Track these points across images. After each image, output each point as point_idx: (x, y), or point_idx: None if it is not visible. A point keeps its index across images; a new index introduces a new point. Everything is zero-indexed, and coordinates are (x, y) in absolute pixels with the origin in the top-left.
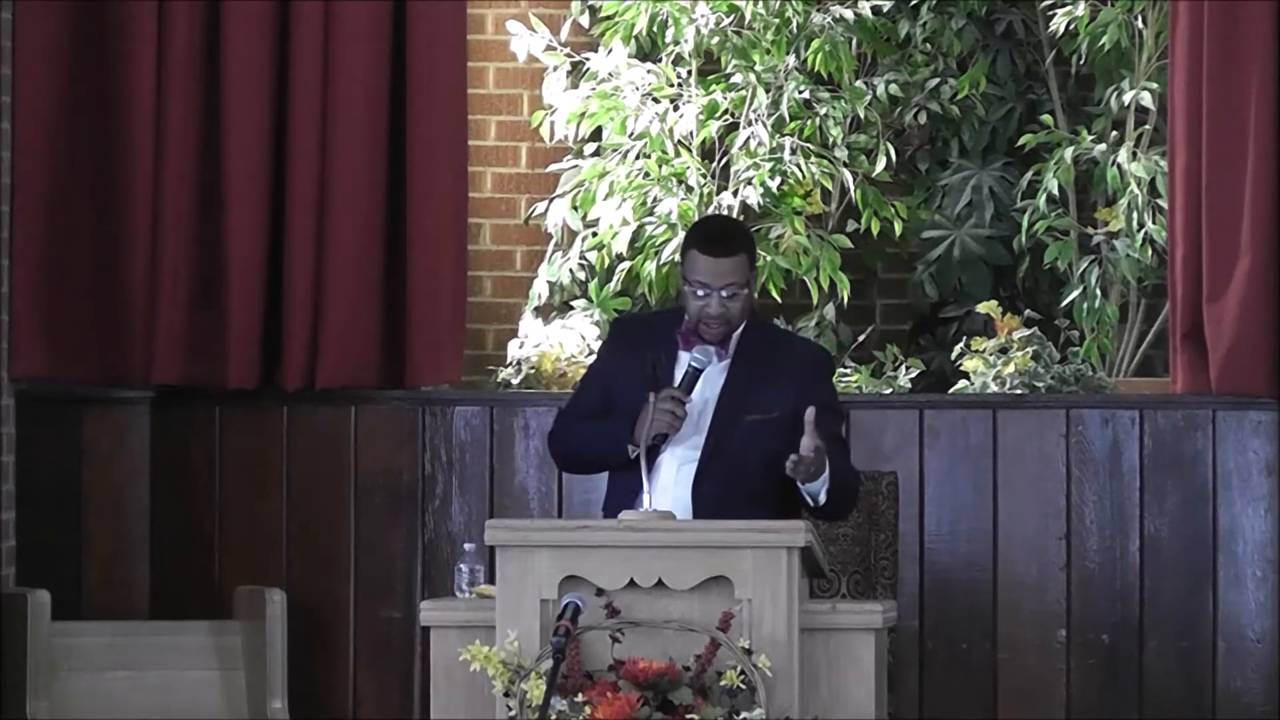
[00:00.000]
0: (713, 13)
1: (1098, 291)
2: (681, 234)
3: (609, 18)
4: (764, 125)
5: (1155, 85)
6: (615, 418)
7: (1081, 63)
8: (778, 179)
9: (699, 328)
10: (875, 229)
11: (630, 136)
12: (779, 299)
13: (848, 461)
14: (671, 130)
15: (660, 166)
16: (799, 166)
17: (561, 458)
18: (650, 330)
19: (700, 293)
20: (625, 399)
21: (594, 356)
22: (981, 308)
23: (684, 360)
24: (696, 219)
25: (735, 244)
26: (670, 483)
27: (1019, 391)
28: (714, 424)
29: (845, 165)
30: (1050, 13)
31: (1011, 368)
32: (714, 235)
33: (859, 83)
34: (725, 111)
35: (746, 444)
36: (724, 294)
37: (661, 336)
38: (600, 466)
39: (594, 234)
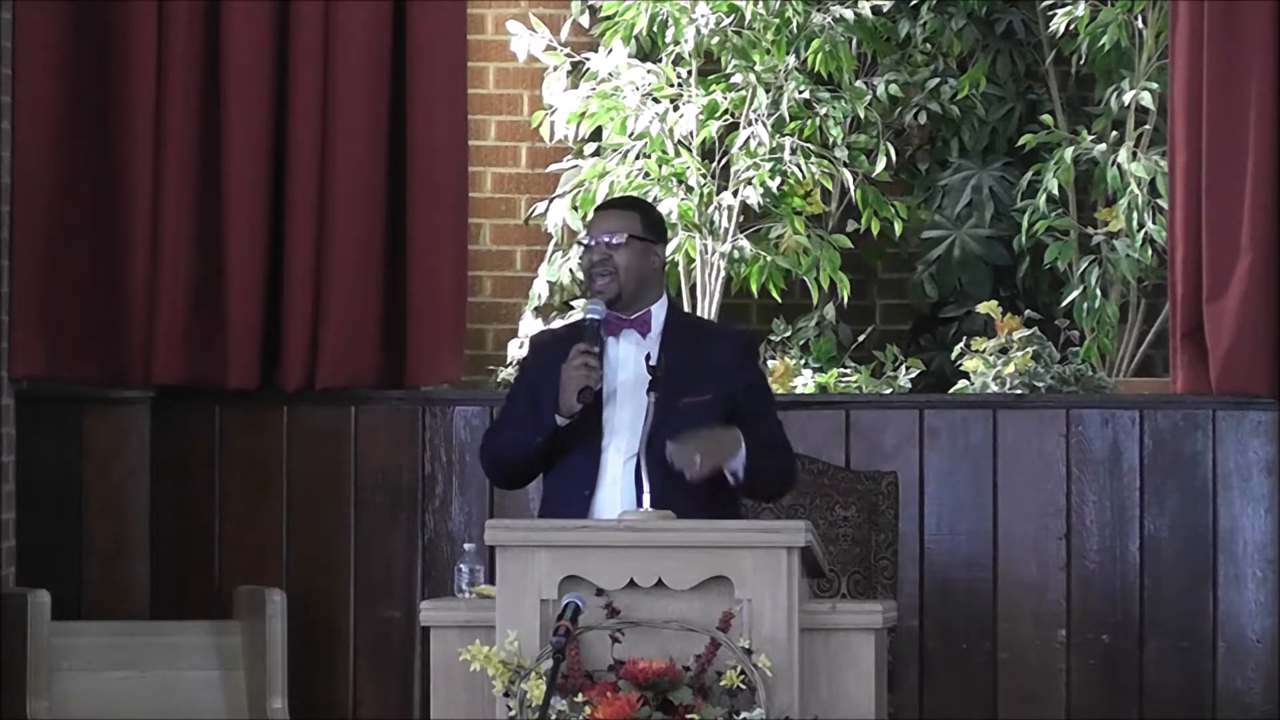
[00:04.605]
0: (713, 13)
1: (1098, 291)
2: (681, 233)
3: (609, 18)
4: (764, 125)
5: (1155, 85)
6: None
7: (1081, 63)
8: (778, 179)
9: (590, 284)
10: (875, 229)
11: (630, 136)
12: (779, 299)
13: (775, 441)
14: (671, 130)
15: (660, 166)
16: (799, 166)
17: (492, 464)
18: (570, 341)
19: (587, 242)
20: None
21: (514, 379)
22: (981, 308)
23: (614, 352)
24: (698, 217)
25: (627, 205)
26: (619, 475)
27: (1019, 391)
28: (654, 408)
29: (845, 165)
30: (1050, 13)
31: (1011, 368)
32: (608, 200)
33: (859, 83)
34: (725, 111)
35: (685, 426)
36: (608, 240)
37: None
38: (529, 459)
39: None
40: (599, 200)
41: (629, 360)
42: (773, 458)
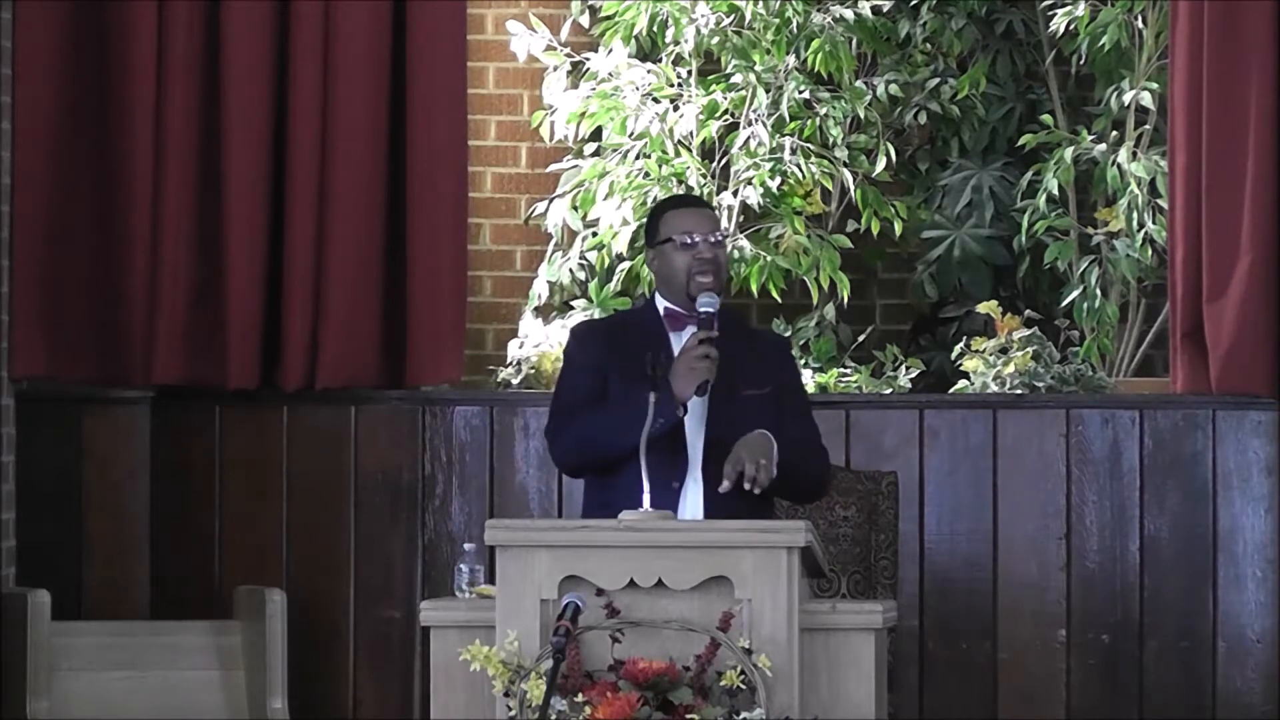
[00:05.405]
0: (713, 13)
1: (1098, 291)
2: None
3: (609, 18)
4: (764, 125)
5: (1155, 85)
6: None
7: (1081, 63)
8: (778, 179)
9: (691, 282)
10: (875, 229)
11: (630, 136)
12: (779, 299)
13: (812, 439)
14: (671, 130)
15: (660, 166)
16: (799, 166)
17: (577, 449)
18: (622, 329)
19: (689, 240)
20: (619, 392)
21: (564, 363)
22: (981, 308)
23: (677, 346)
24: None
25: (704, 203)
26: (700, 470)
27: (1019, 391)
28: (712, 400)
29: (845, 165)
30: (1050, 13)
31: (1011, 368)
32: (687, 198)
33: (859, 83)
34: (725, 111)
35: (747, 418)
36: (710, 239)
37: (639, 332)
38: (618, 452)
39: (594, 234)
40: (597, 199)
41: None
42: (810, 458)
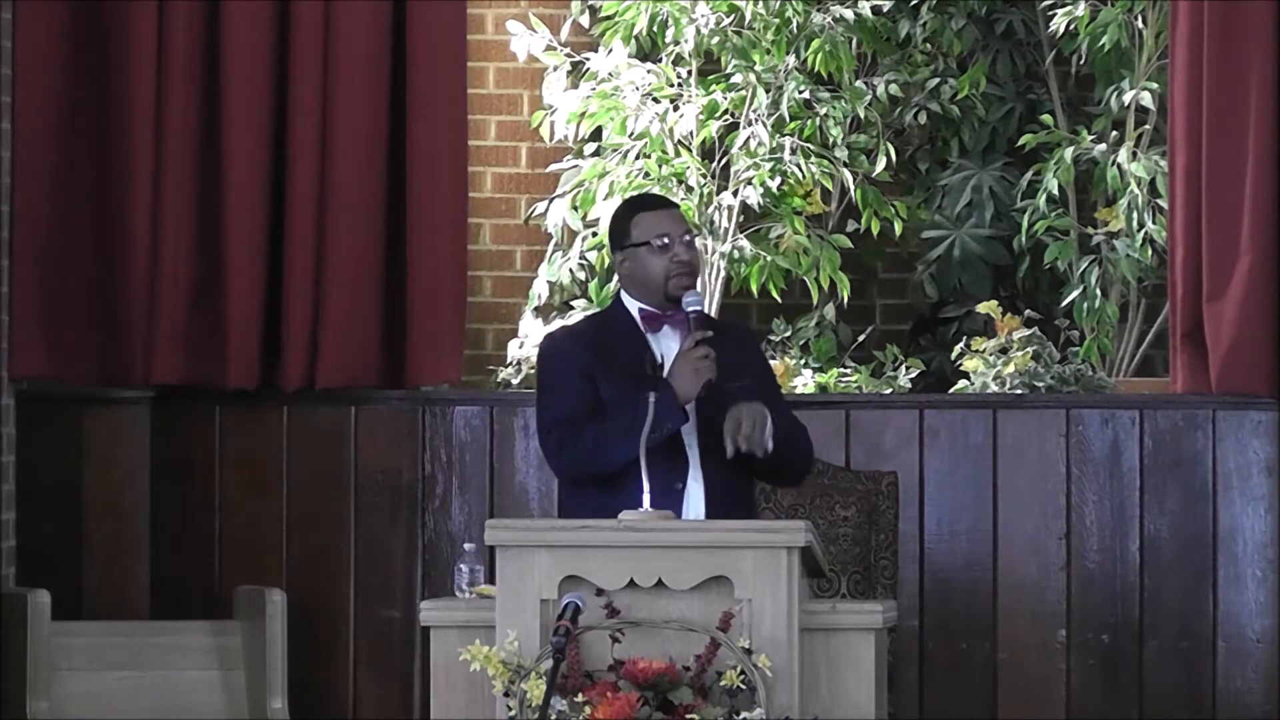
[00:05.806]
0: (713, 13)
1: (1098, 291)
2: None
3: (609, 18)
4: (764, 125)
5: (1155, 85)
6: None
7: (1081, 63)
8: (778, 179)
9: (670, 284)
10: (875, 229)
11: (630, 136)
12: (779, 299)
13: (794, 422)
14: (671, 130)
15: (660, 166)
16: (799, 166)
17: (588, 460)
18: (600, 333)
19: (664, 242)
20: (614, 397)
21: (547, 374)
22: (981, 308)
23: (663, 347)
24: (698, 217)
25: (673, 204)
26: (699, 469)
27: (1019, 391)
28: (703, 397)
29: (845, 165)
30: (1050, 13)
31: (1011, 368)
32: (653, 199)
33: (859, 83)
34: (725, 111)
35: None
36: (683, 239)
37: (617, 336)
38: (632, 458)
39: (594, 234)
40: (597, 199)
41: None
42: (798, 439)
